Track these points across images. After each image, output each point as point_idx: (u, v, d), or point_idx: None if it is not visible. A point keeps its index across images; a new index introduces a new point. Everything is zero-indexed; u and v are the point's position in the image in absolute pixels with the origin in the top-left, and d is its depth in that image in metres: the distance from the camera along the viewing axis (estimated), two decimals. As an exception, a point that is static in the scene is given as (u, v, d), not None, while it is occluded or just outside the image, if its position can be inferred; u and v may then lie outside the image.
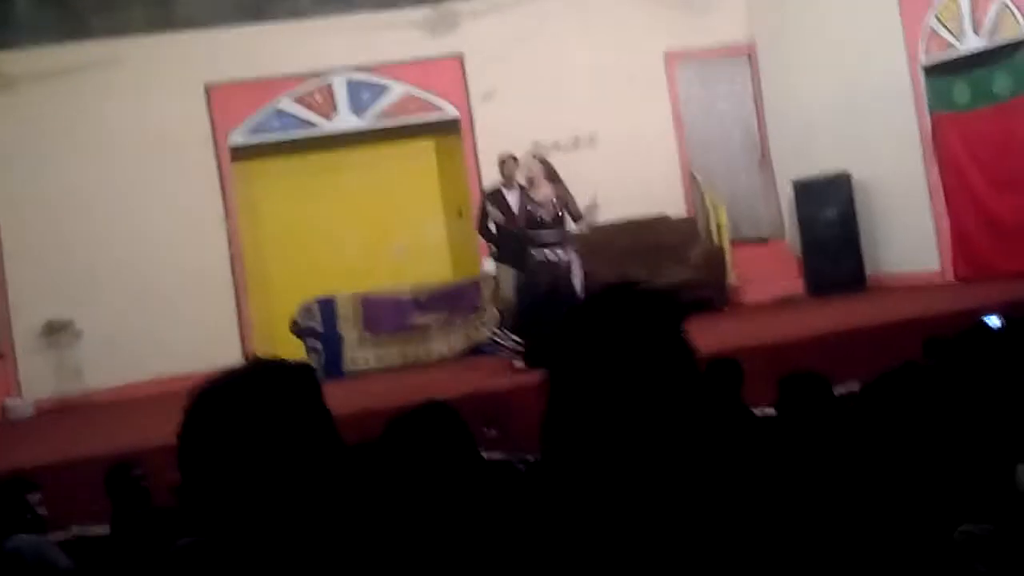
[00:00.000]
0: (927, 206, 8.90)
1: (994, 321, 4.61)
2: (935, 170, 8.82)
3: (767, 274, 9.65)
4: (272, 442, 1.26)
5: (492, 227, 7.55)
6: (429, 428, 2.34)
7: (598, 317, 1.18)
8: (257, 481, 1.25)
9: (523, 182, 7.34)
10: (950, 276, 8.79)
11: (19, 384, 8.87)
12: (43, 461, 5.89)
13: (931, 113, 8.79)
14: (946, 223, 8.82)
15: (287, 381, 1.31)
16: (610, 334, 1.16)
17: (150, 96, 9.12)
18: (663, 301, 1.18)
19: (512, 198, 7.42)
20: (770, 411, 4.44)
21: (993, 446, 3.01)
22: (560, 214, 7.11)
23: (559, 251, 7.09)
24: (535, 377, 6.77)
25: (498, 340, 7.36)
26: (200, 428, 1.28)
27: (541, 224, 7.08)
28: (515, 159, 7.63)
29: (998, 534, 2.66)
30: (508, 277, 7.47)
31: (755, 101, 10.37)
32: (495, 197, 7.59)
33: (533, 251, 7.07)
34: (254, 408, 1.27)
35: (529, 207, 7.12)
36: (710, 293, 8.93)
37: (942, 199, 8.82)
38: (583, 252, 7.76)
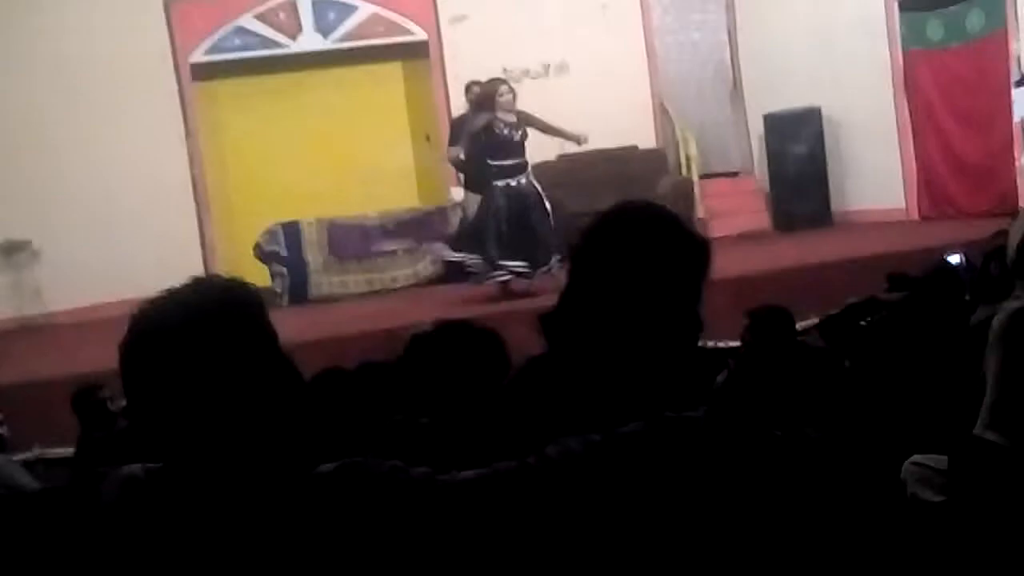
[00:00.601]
0: (895, 143, 8.93)
1: (955, 259, 4.65)
2: (905, 107, 8.83)
3: (735, 208, 9.67)
4: (214, 364, 1.24)
5: (462, 155, 7.46)
6: (470, 348, 2.36)
7: (622, 227, 1.37)
8: (200, 403, 1.24)
9: (499, 108, 7.12)
10: (915, 214, 8.86)
11: (-24, 305, 8.75)
12: (4, 382, 5.85)
13: (904, 49, 8.76)
14: (913, 160, 8.86)
15: (229, 302, 1.29)
16: (635, 242, 1.35)
17: (109, 12, 8.87)
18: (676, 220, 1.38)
19: (478, 124, 7.21)
20: (734, 344, 4.48)
21: (948, 382, 3.06)
22: (522, 141, 7.02)
23: (521, 179, 7.04)
24: (502, 305, 6.78)
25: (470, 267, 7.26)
26: (143, 350, 1.26)
27: (505, 150, 6.99)
28: (478, 85, 7.52)
29: (948, 466, 2.72)
30: (474, 204, 7.40)
31: (729, 33, 10.27)
32: (462, 124, 7.48)
33: (496, 182, 7.01)
34: (196, 329, 1.25)
35: (497, 130, 6.97)
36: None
37: (910, 136, 8.85)
38: (551, 181, 7.72)
